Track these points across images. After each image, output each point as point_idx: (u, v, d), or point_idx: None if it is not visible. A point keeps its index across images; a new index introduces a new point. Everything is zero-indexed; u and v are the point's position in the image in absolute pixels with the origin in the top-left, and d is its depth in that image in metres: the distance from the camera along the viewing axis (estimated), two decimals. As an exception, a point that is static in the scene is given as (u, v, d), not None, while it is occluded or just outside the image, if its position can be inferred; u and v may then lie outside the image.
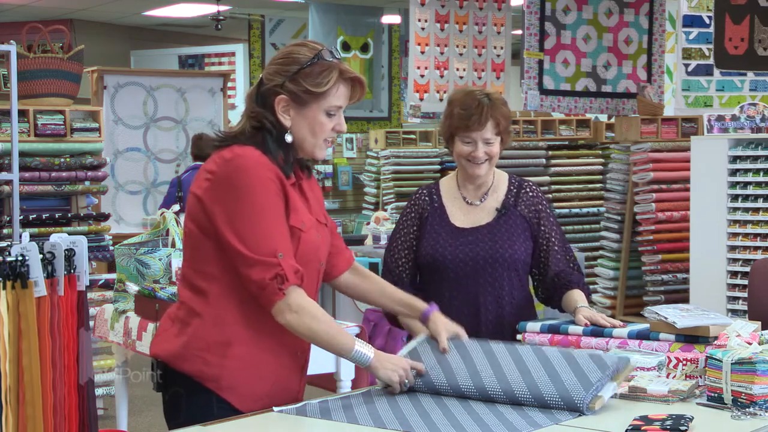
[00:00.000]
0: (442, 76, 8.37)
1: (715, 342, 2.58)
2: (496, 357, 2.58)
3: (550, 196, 8.83)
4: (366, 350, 2.50)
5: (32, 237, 5.25)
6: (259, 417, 2.40)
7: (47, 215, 6.05)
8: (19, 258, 3.46)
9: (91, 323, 4.32)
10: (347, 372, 3.98)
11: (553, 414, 2.35)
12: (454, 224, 3.18)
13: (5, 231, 5.74)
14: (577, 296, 3.09)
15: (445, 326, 2.74)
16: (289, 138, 2.51)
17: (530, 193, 3.23)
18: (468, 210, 3.21)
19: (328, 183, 12.41)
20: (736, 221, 6.25)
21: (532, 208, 3.20)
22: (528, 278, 3.24)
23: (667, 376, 2.57)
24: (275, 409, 2.42)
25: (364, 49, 11.49)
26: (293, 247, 2.47)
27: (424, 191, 3.26)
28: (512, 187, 3.23)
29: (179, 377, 2.48)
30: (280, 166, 2.48)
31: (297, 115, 2.50)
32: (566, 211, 8.89)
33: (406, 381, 2.53)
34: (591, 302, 3.14)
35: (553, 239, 3.20)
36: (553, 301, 3.19)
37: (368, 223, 7.80)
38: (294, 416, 2.39)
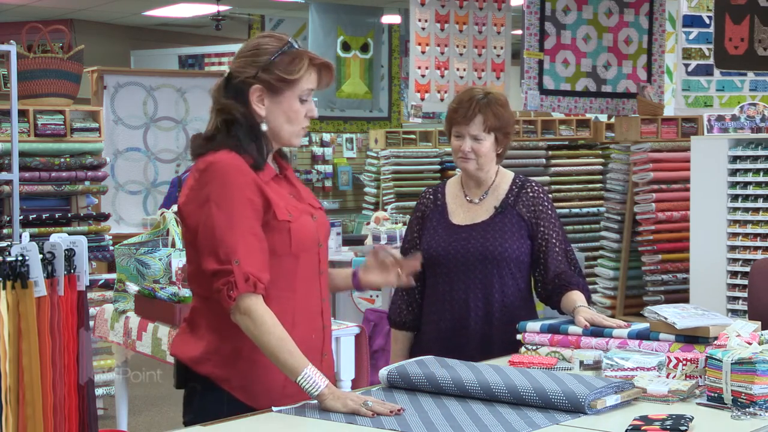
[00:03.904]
0: (442, 76, 8.37)
1: (715, 342, 2.58)
2: (501, 368, 2.59)
3: (550, 196, 8.80)
4: (318, 379, 2.40)
5: (32, 237, 5.25)
6: (258, 417, 2.40)
7: (47, 215, 6.05)
8: (19, 258, 3.46)
9: (91, 323, 4.32)
10: (347, 372, 3.98)
11: (552, 414, 2.35)
12: (452, 221, 3.22)
13: (5, 231, 5.74)
14: (576, 297, 3.08)
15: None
16: (264, 127, 2.55)
17: (531, 194, 3.23)
18: (468, 208, 3.24)
19: (328, 183, 12.40)
20: (736, 221, 6.24)
21: (532, 208, 3.21)
22: (528, 278, 3.24)
23: (667, 376, 2.57)
24: (274, 409, 2.43)
25: (364, 49, 11.49)
26: (285, 240, 2.49)
27: (430, 190, 3.32)
28: (514, 187, 3.24)
29: (196, 376, 2.55)
30: (254, 158, 2.50)
31: (272, 104, 2.54)
32: (566, 211, 8.88)
33: (370, 402, 2.36)
34: (591, 303, 3.14)
35: (553, 240, 3.19)
36: (552, 302, 3.18)
37: (368, 223, 7.79)
38: (293, 416, 2.39)
